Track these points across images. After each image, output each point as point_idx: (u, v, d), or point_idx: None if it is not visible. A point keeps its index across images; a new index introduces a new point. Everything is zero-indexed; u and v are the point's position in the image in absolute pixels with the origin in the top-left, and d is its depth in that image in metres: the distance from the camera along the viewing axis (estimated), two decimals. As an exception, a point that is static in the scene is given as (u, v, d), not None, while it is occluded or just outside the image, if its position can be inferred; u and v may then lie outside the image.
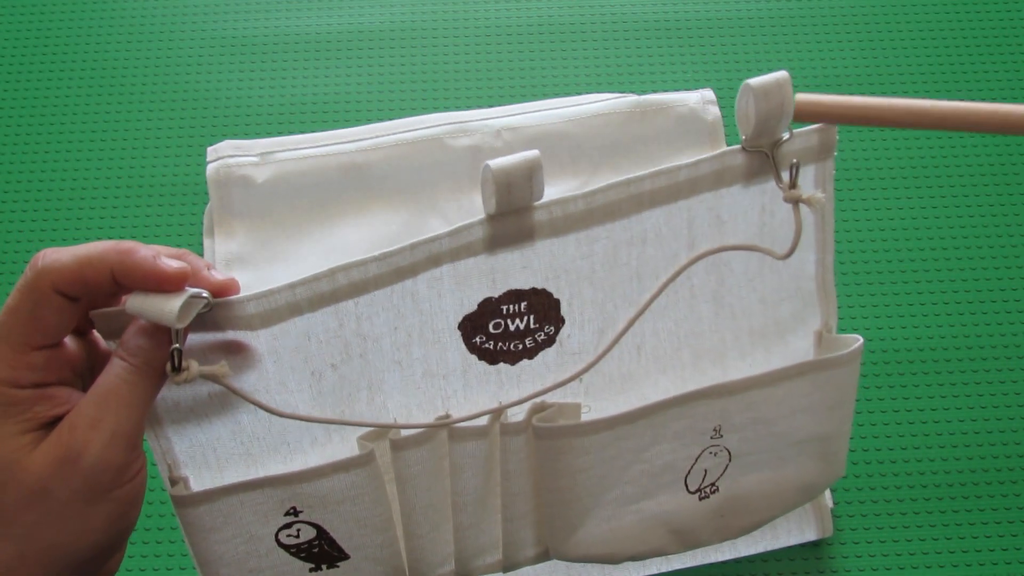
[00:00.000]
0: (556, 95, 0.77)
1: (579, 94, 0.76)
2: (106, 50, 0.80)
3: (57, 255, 0.37)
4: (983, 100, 0.77)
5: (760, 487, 0.53)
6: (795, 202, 0.44)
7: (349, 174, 0.64)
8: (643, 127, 0.68)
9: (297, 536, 0.48)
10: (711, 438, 0.50)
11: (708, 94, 0.69)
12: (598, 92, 0.77)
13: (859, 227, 0.72)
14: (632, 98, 0.68)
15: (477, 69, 0.79)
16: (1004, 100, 0.77)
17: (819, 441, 0.53)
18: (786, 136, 0.45)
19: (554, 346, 0.47)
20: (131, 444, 0.38)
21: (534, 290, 0.45)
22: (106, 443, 0.37)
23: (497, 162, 0.40)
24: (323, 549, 0.49)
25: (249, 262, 0.63)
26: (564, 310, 0.46)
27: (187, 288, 0.37)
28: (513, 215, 0.42)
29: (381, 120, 0.68)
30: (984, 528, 0.62)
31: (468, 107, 0.75)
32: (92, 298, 0.38)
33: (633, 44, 0.80)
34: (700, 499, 0.52)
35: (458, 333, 0.45)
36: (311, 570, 0.49)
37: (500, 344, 0.46)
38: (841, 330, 0.68)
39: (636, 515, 0.52)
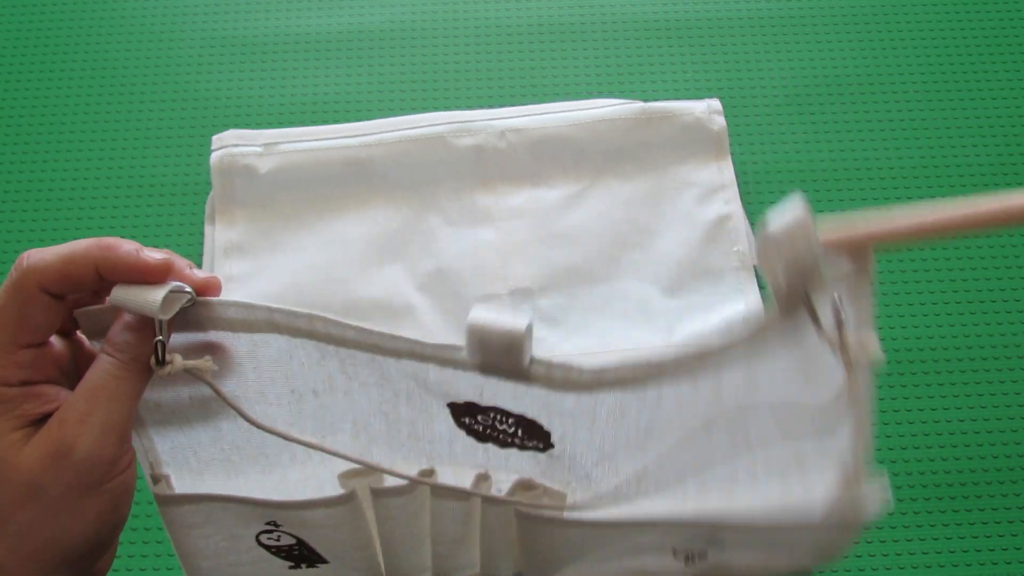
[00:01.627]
0: (556, 95, 0.77)
1: (579, 94, 0.77)
2: (106, 50, 0.80)
3: (41, 254, 0.37)
4: (983, 101, 0.77)
5: (750, 567, 0.51)
6: (847, 360, 0.39)
7: (352, 168, 0.64)
8: (648, 134, 0.68)
9: (278, 541, 0.48)
10: (703, 541, 0.49)
11: (715, 104, 0.69)
12: (598, 92, 0.77)
13: (859, 227, 0.72)
14: (638, 104, 0.69)
15: (477, 69, 0.79)
16: (1003, 100, 0.77)
17: (818, 544, 0.50)
18: (819, 274, 0.39)
19: (544, 454, 0.44)
20: (121, 437, 0.38)
21: (523, 417, 0.41)
22: (96, 437, 0.37)
23: (479, 318, 0.37)
24: (303, 554, 0.49)
25: (248, 251, 0.63)
26: (555, 440, 0.43)
27: (170, 281, 0.38)
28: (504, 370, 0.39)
29: (378, 119, 0.68)
30: (984, 528, 0.62)
31: (468, 107, 0.75)
32: (77, 296, 0.39)
33: (633, 44, 0.80)
34: (686, 563, 0.51)
35: (447, 410, 0.43)
36: (291, 567, 0.50)
37: (489, 431, 0.43)
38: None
39: (617, 569, 0.51)
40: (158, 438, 0.44)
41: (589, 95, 0.76)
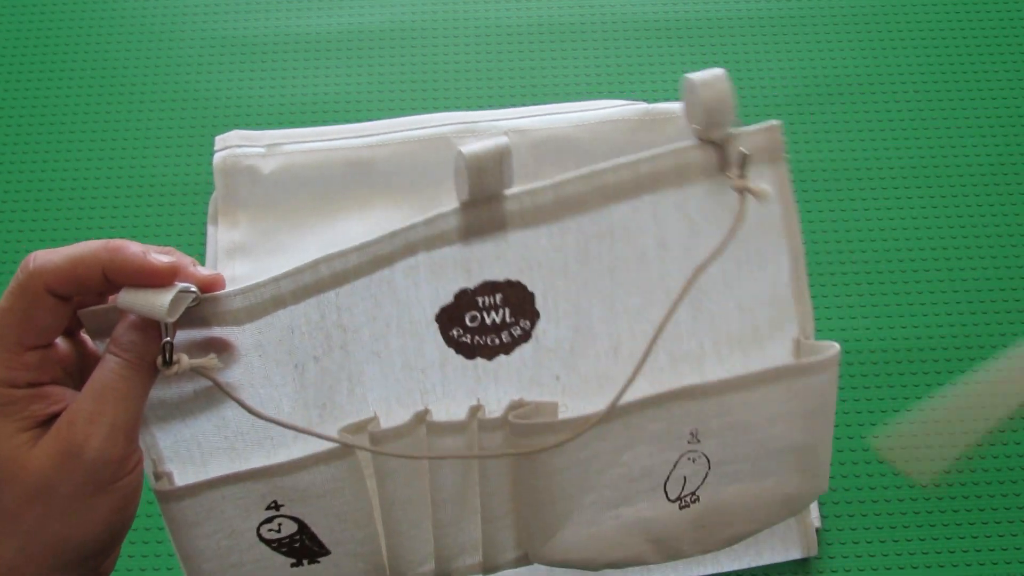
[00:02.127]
0: (556, 95, 0.77)
1: (579, 94, 0.77)
2: (106, 50, 0.80)
3: (48, 256, 0.37)
4: (983, 101, 0.77)
5: (741, 499, 0.53)
6: (741, 191, 0.45)
7: (354, 169, 0.64)
8: (651, 135, 0.68)
9: (279, 531, 0.48)
10: (688, 443, 0.50)
11: None
12: (598, 92, 0.77)
13: (858, 226, 0.73)
14: (642, 106, 0.68)
15: (477, 69, 0.79)
16: (1003, 100, 0.77)
17: (799, 452, 0.52)
18: (734, 133, 0.46)
19: (530, 342, 0.47)
20: (129, 437, 0.38)
21: (508, 282, 0.45)
22: (106, 436, 0.37)
23: (468, 148, 0.41)
24: (304, 544, 0.49)
25: (250, 252, 0.63)
26: (539, 303, 0.46)
27: (176, 283, 0.38)
28: (485, 204, 0.43)
29: (381, 120, 0.68)
30: (984, 528, 0.62)
31: (468, 107, 0.75)
32: (82, 298, 0.39)
33: (633, 44, 0.80)
34: (680, 508, 0.52)
35: (435, 326, 0.46)
36: (292, 565, 0.50)
37: (477, 338, 0.46)
38: (840, 331, 0.69)
39: (615, 521, 0.52)
40: (160, 434, 0.45)
41: (589, 95, 0.76)
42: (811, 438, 0.52)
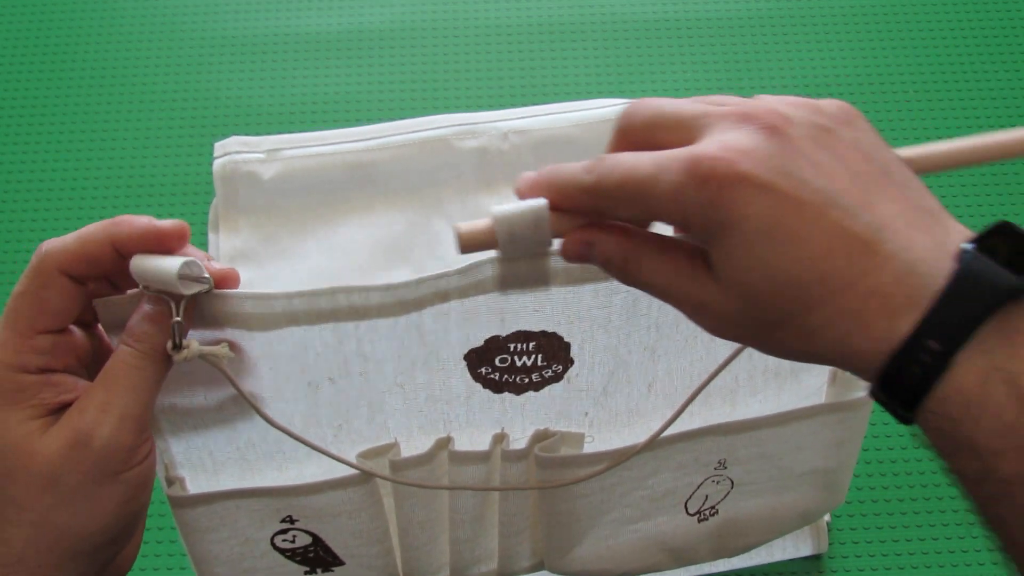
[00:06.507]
0: (556, 95, 0.77)
1: (579, 94, 0.77)
2: (106, 50, 0.80)
3: (59, 239, 0.38)
4: (982, 101, 0.78)
5: (759, 512, 0.53)
6: None
7: (355, 173, 0.64)
8: None
9: (293, 542, 0.48)
10: (715, 469, 0.50)
11: None
12: (598, 92, 0.77)
13: (859, 227, 0.73)
14: (642, 105, 0.68)
15: (477, 69, 0.79)
16: (1003, 100, 0.78)
17: (823, 473, 0.52)
18: None
19: (561, 382, 0.46)
20: (140, 427, 0.38)
21: (544, 332, 0.43)
22: (116, 425, 0.37)
23: (501, 209, 0.38)
24: (318, 555, 0.49)
25: (253, 258, 0.63)
26: (574, 352, 0.45)
27: (188, 254, 0.38)
28: (526, 260, 0.40)
29: (381, 120, 0.68)
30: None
31: (468, 107, 0.75)
32: (97, 283, 0.39)
33: (633, 44, 0.80)
34: (699, 521, 0.52)
35: (463, 363, 0.44)
36: (306, 573, 0.50)
37: (506, 376, 0.45)
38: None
39: (634, 535, 0.52)
40: (173, 440, 0.44)
41: (589, 95, 0.76)
42: (837, 462, 0.52)
